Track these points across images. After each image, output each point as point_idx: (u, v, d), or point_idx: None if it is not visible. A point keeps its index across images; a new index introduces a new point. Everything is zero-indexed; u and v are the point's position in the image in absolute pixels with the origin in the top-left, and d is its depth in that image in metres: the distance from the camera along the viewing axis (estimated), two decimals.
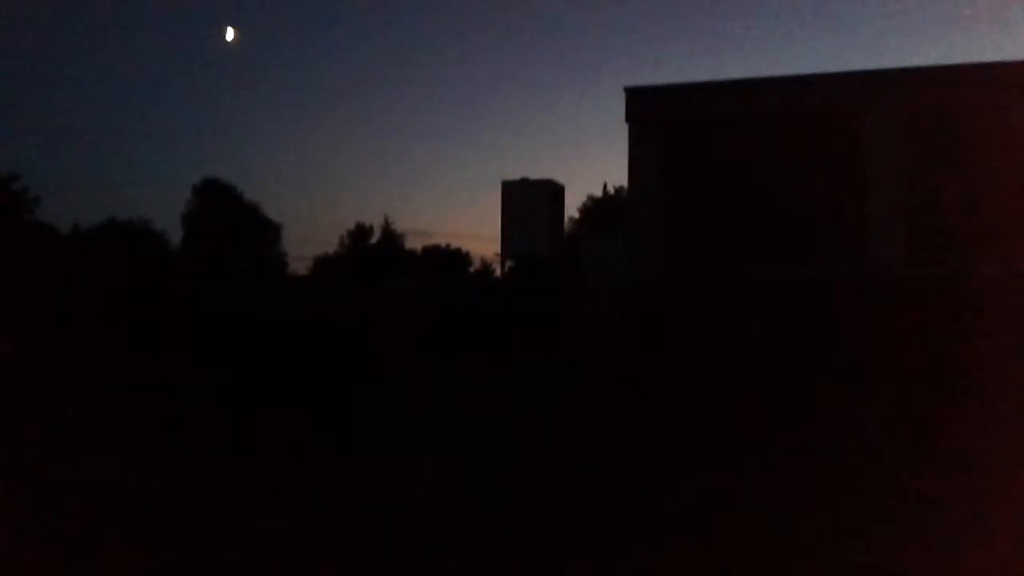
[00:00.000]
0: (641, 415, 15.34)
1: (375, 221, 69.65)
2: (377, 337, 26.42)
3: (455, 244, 69.33)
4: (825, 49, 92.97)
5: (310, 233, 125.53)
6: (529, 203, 46.98)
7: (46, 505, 8.67)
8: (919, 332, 17.85)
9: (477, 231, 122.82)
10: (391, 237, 65.24)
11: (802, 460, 11.01)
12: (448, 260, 65.81)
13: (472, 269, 67.99)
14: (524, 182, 46.13)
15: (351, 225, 68.27)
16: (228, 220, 56.24)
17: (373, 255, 62.38)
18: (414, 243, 68.83)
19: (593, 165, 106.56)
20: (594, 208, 58.23)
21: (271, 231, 60.90)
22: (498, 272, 60.00)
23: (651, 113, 21.83)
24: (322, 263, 65.66)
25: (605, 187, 60.32)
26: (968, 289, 17.77)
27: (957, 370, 16.93)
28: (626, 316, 21.07)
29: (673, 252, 20.52)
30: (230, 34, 71.38)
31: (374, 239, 65.93)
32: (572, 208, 61.75)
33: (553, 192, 46.58)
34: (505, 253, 51.39)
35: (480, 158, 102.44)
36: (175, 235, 58.67)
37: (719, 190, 20.41)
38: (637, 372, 19.84)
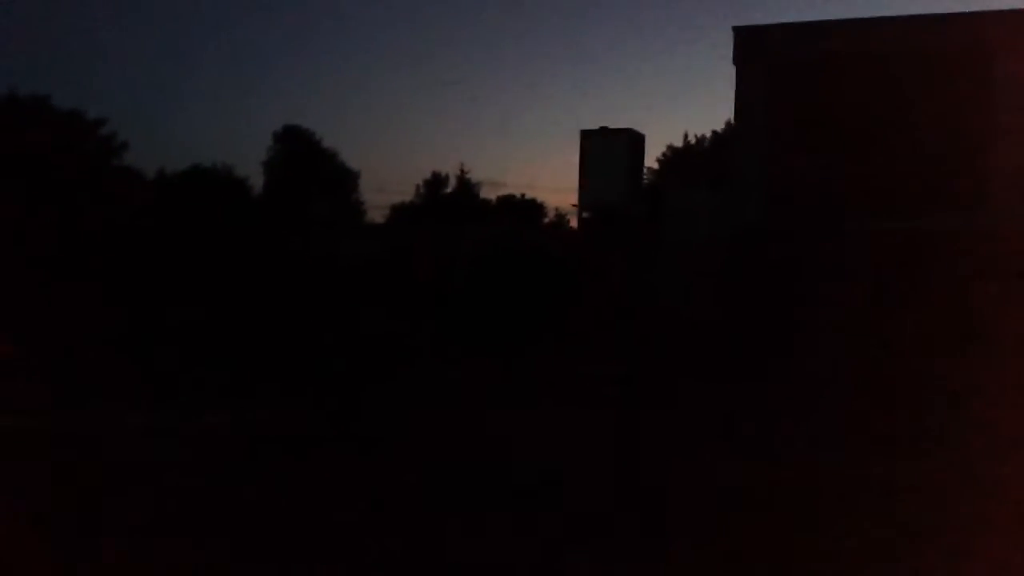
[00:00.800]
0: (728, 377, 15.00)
1: (450, 170, 69.58)
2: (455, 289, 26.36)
3: (530, 195, 68.97)
4: None
5: (387, 181, 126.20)
6: (607, 153, 46.14)
7: None
8: None
9: (554, 182, 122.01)
10: (466, 186, 65.12)
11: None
12: (523, 210, 65.50)
13: (547, 220, 67.57)
14: (603, 131, 45.13)
15: (427, 174, 68.28)
16: (308, 167, 56.68)
17: (448, 204, 62.41)
18: (489, 193, 68.69)
19: (673, 114, 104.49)
20: (674, 158, 57.14)
21: (350, 178, 61.28)
22: (573, 223, 59.49)
23: (763, 53, 20.95)
24: (398, 211, 65.93)
25: (686, 136, 59.11)
26: None
27: None
28: (725, 272, 20.54)
29: (780, 204, 19.83)
30: None
31: (449, 188, 65.88)
32: (651, 159, 60.67)
33: (632, 141, 45.43)
34: (582, 204, 50.88)
35: (558, 107, 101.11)
36: (257, 182, 59.41)
37: (832, 137, 19.60)
38: (732, 331, 19.37)
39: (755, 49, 20.70)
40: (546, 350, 18.92)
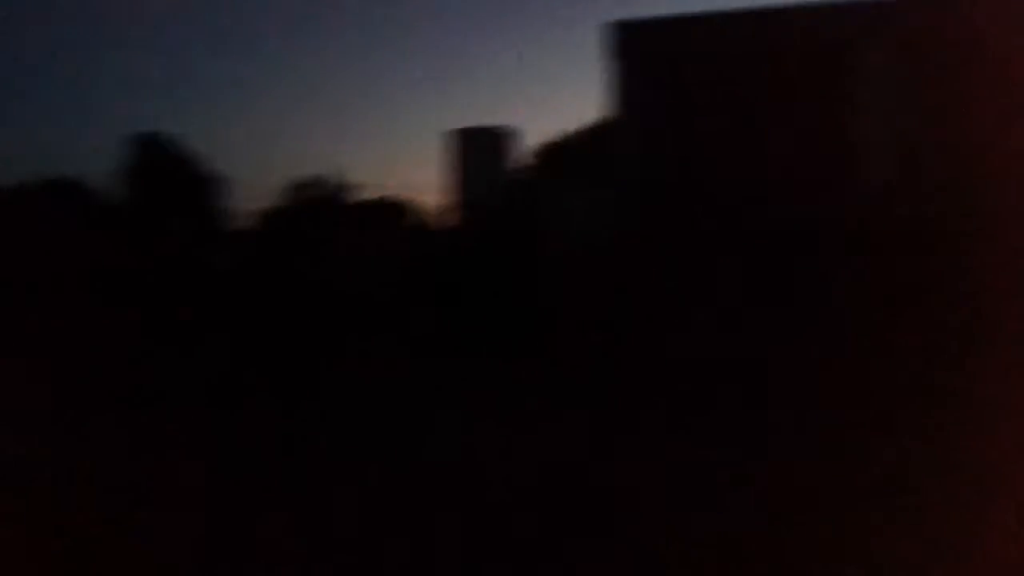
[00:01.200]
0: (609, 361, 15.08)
1: (320, 173, 68.32)
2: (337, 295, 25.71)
3: (403, 195, 68.42)
4: None
5: (253, 186, 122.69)
6: (478, 151, 46.20)
7: None
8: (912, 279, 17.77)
9: (425, 182, 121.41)
10: (336, 189, 63.96)
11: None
12: (394, 211, 64.80)
13: (419, 220, 67.11)
14: (473, 129, 45.30)
15: (295, 178, 66.83)
16: (170, 175, 54.26)
17: (318, 207, 61.09)
18: (359, 195, 67.69)
19: (544, 111, 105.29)
20: (550, 154, 57.52)
21: (216, 184, 59.12)
22: (446, 223, 59.12)
23: (639, 48, 21.09)
24: (266, 217, 64.14)
25: (560, 134, 59.69)
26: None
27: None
28: (600, 268, 20.66)
29: (658, 198, 20.06)
30: None
31: (318, 191, 64.62)
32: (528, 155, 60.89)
33: (503, 139, 45.79)
34: (454, 203, 50.69)
35: (426, 107, 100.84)
36: (116, 191, 56.44)
37: (707, 130, 19.94)
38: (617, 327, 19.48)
39: (632, 43, 20.89)
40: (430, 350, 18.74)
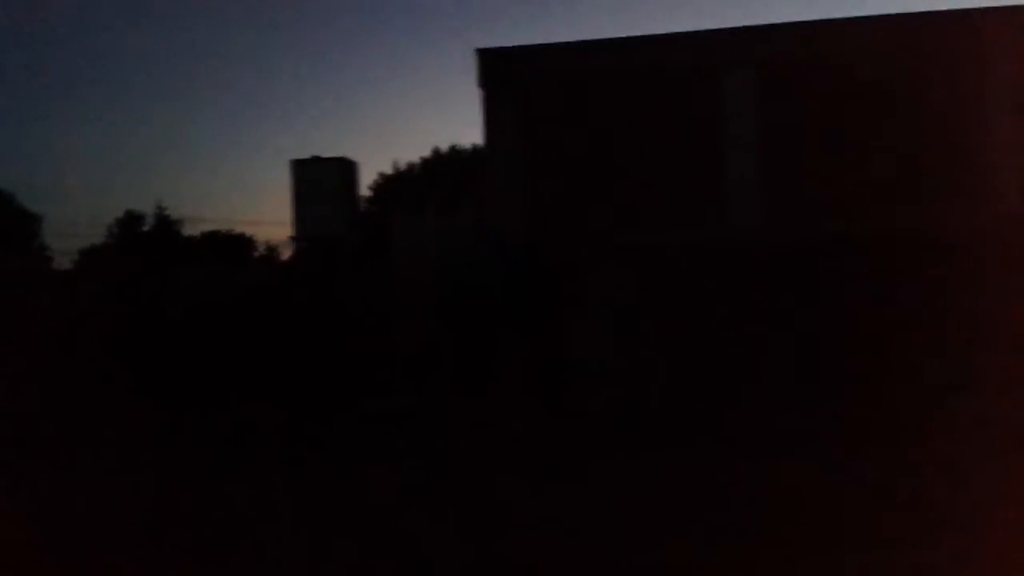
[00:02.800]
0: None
1: (147, 208, 65.01)
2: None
3: (238, 229, 65.91)
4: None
5: (72, 224, 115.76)
6: (321, 182, 44.97)
7: None
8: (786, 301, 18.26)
9: (264, 215, 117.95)
10: (166, 224, 61.03)
11: None
12: (231, 245, 62.40)
13: (257, 254, 64.91)
14: (314, 160, 44.08)
15: (119, 213, 63.27)
16: None
17: (146, 244, 58.06)
18: (192, 229, 64.97)
19: (383, 141, 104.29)
20: (387, 185, 56.91)
21: (30, 222, 55.22)
22: (286, 256, 57.48)
23: (510, 76, 20.89)
24: (88, 255, 60.44)
25: (396, 164, 59.28)
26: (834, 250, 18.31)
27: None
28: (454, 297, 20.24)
29: (536, 228, 19.77)
30: None
31: (146, 227, 61.51)
32: (363, 187, 60.03)
33: (345, 168, 44.75)
34: (297, 235, 49.22)
35: (264, 138, 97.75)
36: None
37: (580, 156, 19.88)
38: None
39: (503, 71, 20.70)
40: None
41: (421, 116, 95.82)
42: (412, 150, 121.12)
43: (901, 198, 19.37)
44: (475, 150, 54.95)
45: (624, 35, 21.24)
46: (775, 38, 19.85)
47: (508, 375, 18.97)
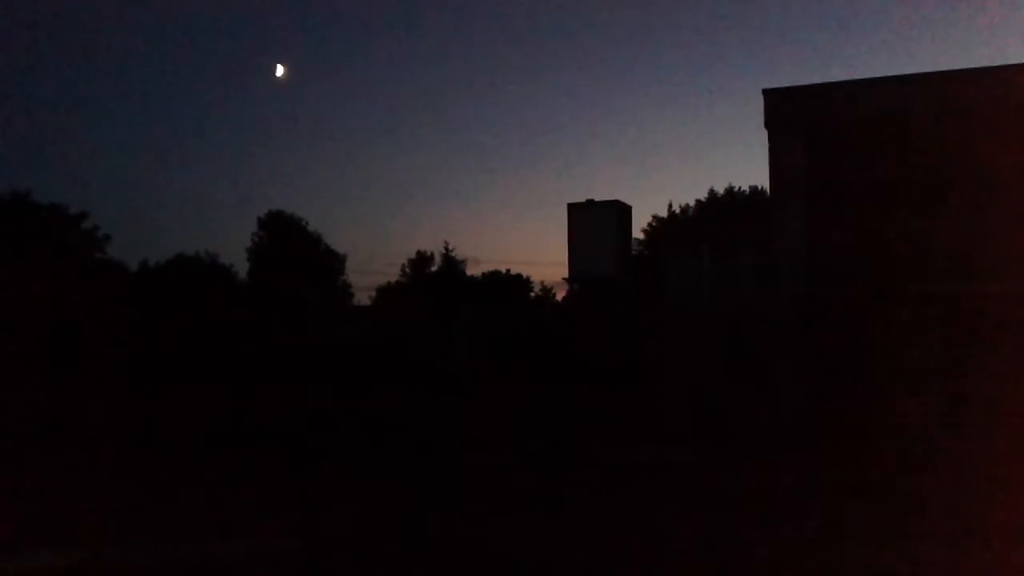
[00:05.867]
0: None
1: (434, 248, 69.54)
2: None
3: (516, 269, 68.77)
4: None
5: (370, 262, 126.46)
6: (595, 225, 46.25)
7: None
8: None
9: (539, 256, 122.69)
10: (451, 263, 64.98)
11: None
12: (509, 285, 65.25)
13: (533, 294, 67.37)
14: (589, 203, 45.56)
15: (411, 253, 68.20)
16: (293, 252, 56.22)
17: (434, 283, 62.10)
18: (473, 270, 68.66)
19: (658, 184, 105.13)
20: (661, 228, 57.25)
21: (336, 261, 60.91)
22: (560, 296, 59.21)
23: (799, 117, 20.20)
24: (384, 292, 65.59)
25: (670, 206, 59.37)
26: None
27: None
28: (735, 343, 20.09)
29: (823, 274, 19.05)
30: (280, 70, 72.00)
31: (434, 267, 65.74)
32: (637, 230, 60.79)
33: (620, 213, 45.77)
34: (571, 276, 50.79)
35: (543, 181, 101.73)
36: (242, 268, 58.89)
37: (873, 203, 18.82)
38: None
39: (792, 112, 20.04)
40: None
41: (697, 158, 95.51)
42: (688, 192, 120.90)
43: None
44: (752, 191, 54.08)
45: (913, 71, 19.93)
46: None
47: (789, 423, 18.52)
